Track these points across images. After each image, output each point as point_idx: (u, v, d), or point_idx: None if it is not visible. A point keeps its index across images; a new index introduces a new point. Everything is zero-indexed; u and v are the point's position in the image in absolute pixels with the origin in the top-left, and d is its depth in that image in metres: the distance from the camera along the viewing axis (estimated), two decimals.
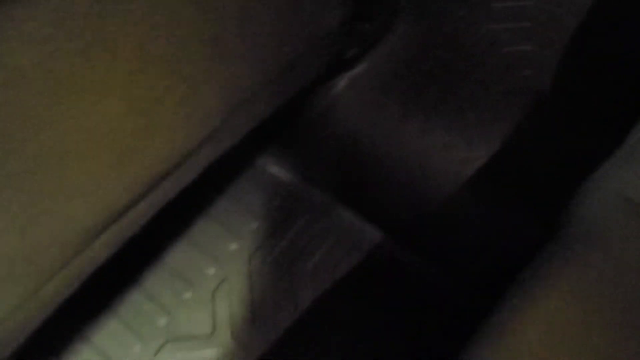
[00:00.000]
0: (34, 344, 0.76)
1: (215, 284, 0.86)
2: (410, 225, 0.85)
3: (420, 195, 0.83)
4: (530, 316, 0.44)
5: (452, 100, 0.85)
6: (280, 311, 0.84)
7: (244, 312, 0.84)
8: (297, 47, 0.58)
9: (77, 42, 0.34)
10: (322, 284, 0.86)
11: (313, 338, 0.82)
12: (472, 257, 0.75)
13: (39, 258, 0.42)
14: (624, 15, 0.92)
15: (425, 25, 0.92)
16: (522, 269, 0.48)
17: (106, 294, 0.84)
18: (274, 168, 0.96)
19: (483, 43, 0.94)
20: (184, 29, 0.42)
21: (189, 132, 0.49)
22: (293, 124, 0.94)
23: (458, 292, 0.80)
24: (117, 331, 0.82)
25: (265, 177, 0.96)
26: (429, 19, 0.92)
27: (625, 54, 0.87)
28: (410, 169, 0.83)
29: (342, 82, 0.87)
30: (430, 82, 0.86)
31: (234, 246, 0.89)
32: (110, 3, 0.36)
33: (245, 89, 0.53)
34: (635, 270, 0.48)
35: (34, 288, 0.44)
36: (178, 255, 0.88)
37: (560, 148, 0.74)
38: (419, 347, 0.78)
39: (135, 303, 0.84)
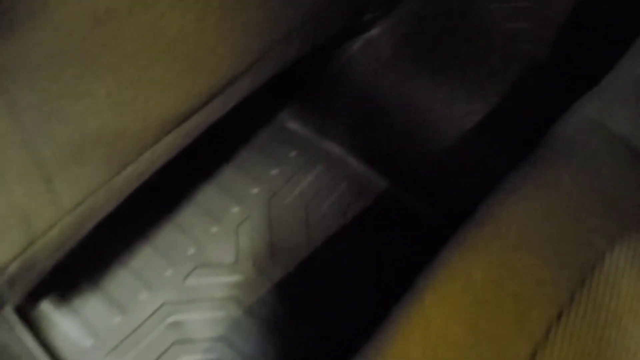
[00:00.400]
0: (75, 267, 0.86)
1: (238, 221, 0.96)
2: (415, 173, 0.95)
3: (424, 145, 0.93)
4: (491, 230, 0.51)
5: (456, 62, 0.95)
6: (295, 245, 0.94)
7: (263, 246, 0.94)
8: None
9: None
10: (333, 223, 0.96)
11: (324, 268, 0.92)
12: (471, 201, 0.85)
13: (117, 145, 0.52)
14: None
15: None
16: None
17: (143, 225, 0.94)
18: (292, 123, 1.06)
19: (486, 18, 1.03)
20: None
21: (238, 57, 0.59)
22: (310, 83, 1.04)
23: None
24: (152, 258, 0.92)
25: (285, 131, 1.06)
26: None
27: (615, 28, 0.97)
28: (416, 122, 0.93)
29: (357, 44, 0.97)
30: (437, 46, 0.96)
31: (255, 190, 0.99)
32: None
33: (281, 30, 0.63)
34: (596, 189, 0.57)
35: (109, 175, 0.54)
36: (207, 196, 0.98)
37: (552, 105, 0.84)
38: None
39: (168, 234, 0.94)
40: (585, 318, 0.44)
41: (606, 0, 1.02)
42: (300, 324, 0.86)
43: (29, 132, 0.40)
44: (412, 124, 0.95)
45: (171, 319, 0.86)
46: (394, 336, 0.45)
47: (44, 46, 0.35)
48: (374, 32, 0.96)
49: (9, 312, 0.81)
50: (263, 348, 0.85)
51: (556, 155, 0.56)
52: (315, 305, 0.88)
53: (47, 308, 0.85)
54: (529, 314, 0.44)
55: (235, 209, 0.97)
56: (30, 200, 0.46)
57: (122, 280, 0.89)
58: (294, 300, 0.89)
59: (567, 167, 0.55)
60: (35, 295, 0.85)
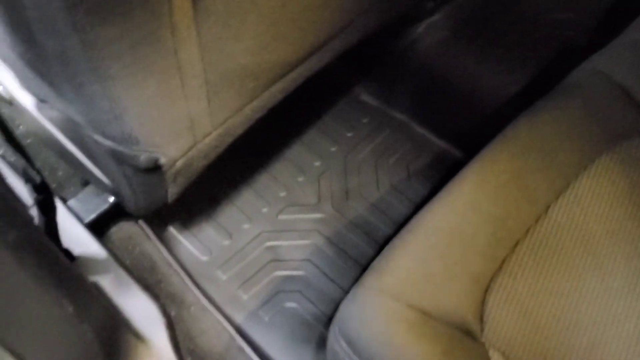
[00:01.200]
0: (194, 203, 1.10)
1: (320, 172, 1.18)
2: (467, 134, 1.15)
3: (475, 110, 1.13)
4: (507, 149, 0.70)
5: (504, 42, 1.15)
6: (366, 191, 1.15)
7: (340, 191, 1.16)
8: None
9: None
10: (398, 175, 1.17)
11: (389, 210, 1.13)
12: None
13: (254, 78, 0.72)
14: None
15: None
16: None
17: (245, 173, 1.17)
18: (365, 95, 1.28)
19: (534, 8, 1.22)
20: None
21: (338, 17, 0.77)
22: (380, 63, 1.26)
23: None
24: (252, 198, 1.15)
25: (359, 102, 1.28)
26: None
27: None
28: (469, 91, 1.13)
29: (420, 28, 1.18)
30: (488, 29, 1.16)
31: (334, 148, 1.22)
32: None
33: (367, 2, 0.83)
34: (594, 118, 0.72)
35: (243, 103, 0.76)
36: (295, 152, 1.21)
37: None
38: None
39: (264, 181, 1.17)
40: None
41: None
42: (369, 249, 1.08)
43: (206, 61, 0.63)
44: (465, 93, 1.15)
45: (267, 244, 1.09)
46: (431, 209, 0.65)
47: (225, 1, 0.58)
48: (435, 17, 1.17)
49: (149, 230, 1.07)
50: (338, 267, 1.06)
51: (566, 96, 0.75)
52: (381, 239, 1.09)
53: (174, 232, 1.10)
54: (540, 186, 0.63)
55: (317, 163, 1.19)
56: (196, 113, 0.69)
57: (229, 214, 1.13)
58: (365, 232, 1.10)
59: (573, 103, 0.74)
60: (166, 221, 1.10)
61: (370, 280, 0.61)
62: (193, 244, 1.08)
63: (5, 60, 0.69)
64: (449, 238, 0.61)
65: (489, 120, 1.13)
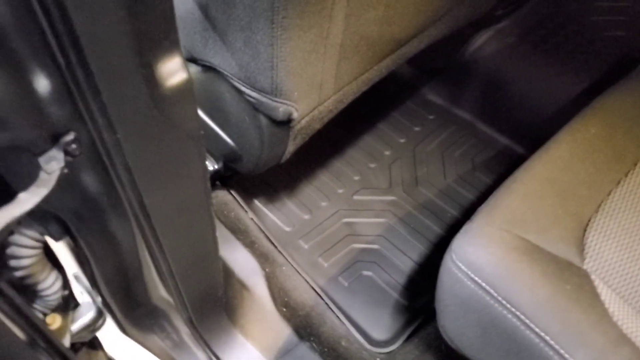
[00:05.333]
0: (279, 183, 1.21)
1: (390, 160, 1.29)
2: (530, 131, 1.25)
3: (538, 109, 1.24)
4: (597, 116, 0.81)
5: (566, 48, 1.26)
6: (434, 179, 1.25)
7: (409, 177, 1.26)
8: None
9: None
10: (463, 166, 1.27)
11: (456, 195, 1.23)
12: None
13: (376, 47, 0.82)
14: None
15: (553, 1, 1.34)
16: None
17: (324, 160, 1.28)
18: (432, 95, 1.39)
19: (590, 27, 1.33)
20: None
21: (433, 9, 0.90)
22: (448, 65, 1.37)
23: None
24: (329, 180, 1.25)
25: (426, 101, 1.39)
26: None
27: None
28: (533, 92, 1.24)
29: (488, 33, 1.30)
30: (551, 36, 1.27)
31: (403, 140, 1.32)
32: None
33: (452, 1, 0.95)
34: None
35: (361, 71, 0.85)
36: (368, 142, 1.32)
37: None
38: None
39: (340, 166, 1.28)
40: None
41: None
42: (438, 229, 1.17)
43: (346, 24, 0.75)
44: (529, 93, 1.26)
45: (344, 220, 1.19)
46: (531, 163, 0.75)
47: None
48: (503, 24, 1.29)
49: (240, 199, 1.17)
50: (410, 244, 1.15)
51: (638, 80, 0.85)
52: (449, 219, 1.19)
53: (259, 205, 1.20)
54: (628, 146, 0.73)
55: (388, 152, 1.30)
56: (327, 73, 0.80)
57: (309, 193, 1.23)
58: (433, 213, 1.20)
59: None
60: (252, 195, 1.20)
61: (482, 218, 0.71)
62: (277, 216, 1.17)
63: None
64: (550, 185, 0.71)
65: (551, 119, 1.23)
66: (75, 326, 0.73)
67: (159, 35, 0.45)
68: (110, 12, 0.39)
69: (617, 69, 1.21)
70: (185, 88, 0.49)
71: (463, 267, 0.66)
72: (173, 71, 0.48)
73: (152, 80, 0.46)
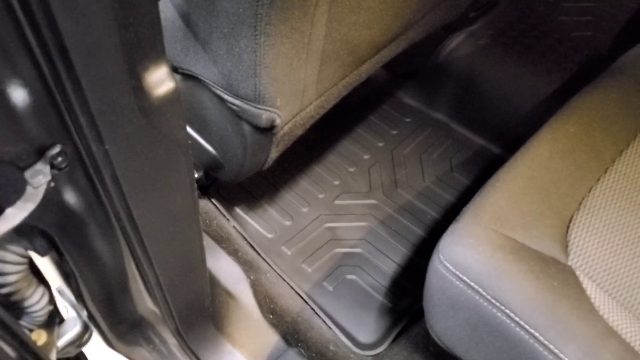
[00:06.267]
0: (258, 191, 1.20)
1: (369, 164, 1.30)
2: (505, 131, 1.28)
3: (513, 109, 1.26)
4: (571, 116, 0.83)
5: (538, 49, 1.29)
6: (413, 181, 1.26)
7: (389, 180, 1.27)
8: None
9: None
10: (441, 167, 1.28)
11: (435, 196, 1.24)
12: None
13: (356, 53, 0.83)
14: None
15: (523, 2, 1.37)
16: None
17: (304, 165, 1.28)
18: (407, 98, 1.41)
19: (559, 28, 1.36)
20: None
21: (421, 5, 0.90)
22: (422, 68, 1.39)
23: None
24: (310, 186, 1.26)
25: (402, 104, 1.41)
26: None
27: None
28: (506, 92, 1.26)
29: (461, 36, 1.32)
30: (523, 37, 1.30)
31: (381, 143, 1.33)
32: None
33: (428, 2, 0.96)
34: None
35: (340, 77, 0.86)
36: (346, 147, 1.32)
37: None
38: None
39: (320, 172, 1.28)
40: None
41: None
42: (419, 230, 1.18)
43: (327, 29, 0.75)
44: (502, 94, 1.28)
45: (326, 225, 1.19)
46: (514, 163, 0.77)
47: None
48: (475, 26, 1.31)
49: (221, 207, 1.17)
50: (392, 246, 1.16)
51: (619, 74, 0.87)
52: (429, 221, 1.20)
53: (241, 212, 1.20)
54: (605, 144, 0.75)
55: (367, 156, 1.31)
56: (309, 79, 0.80)
57: (289, 199, 1.23)
58: (414, 215, 1.21)
59: (625, 79, 0.87)
60: (233, 203, 1.20)
61: (467, 217, 0.71)
62: (259, 223, 1.17)
63: None
64: (533, 183, 0.72)
65: (525, 118, 1.25)
66: (62, 342, 0.72)
67: (147, 45, 0.44)
68: (100, 24, 0.39)
69: (586, 68, 1.24)
70: (173, 97, 0.49)
71: (451, 268, 0.66)
72: (160, 80, 0.48)
73: (140, 90, 0.46)
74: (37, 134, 0.48)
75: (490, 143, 1.29)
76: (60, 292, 0.74)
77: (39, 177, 0.50)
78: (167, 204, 0.57)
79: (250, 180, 1.23)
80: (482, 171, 1.26)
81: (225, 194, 1.20)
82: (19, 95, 0.45)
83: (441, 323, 0.70)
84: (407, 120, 1.36)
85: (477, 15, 1.26)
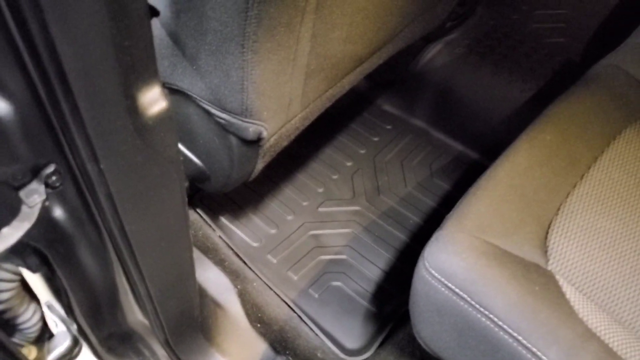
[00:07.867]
0: (242, 200, 1.22)
1: (352, 171, 1.32)
2: (483, 138, 1.31)
3: (489, 116, 1.29)
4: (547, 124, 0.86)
5: (513, 57, 1.32)
6: (395, 188, 1.29)
7: (372, 187, 1.29)
8: (432, 5, 1.05)
9: None
10: (422, 173, 1.31)
11: (416, 202, 1.26)
12: None
13: (339, 66, 0.85)
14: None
15: (497, 11, 1.40)
16: None
17: (287, 174, 1.30)
18: (388, 106, 1.43)
19: (532, 35, 1.40)
20: None
21: (401, 17, 0.92)
22: (401, 77, 1.42)
23: None
24: (294, 194, 1.27)
25: (382, 111, 1.43)
26: (500, 8, 1.40)
27: None
28: (483, 99, 1.29)
29: (438, 45, 1.35)
30: (498, 46, 1.33)
31: (363, 151, 1.35)
32: None
33: (419, 9, 0.98)
34: (612, 103, 0.89)
35: (324, 89, 0.88)
36: (329, 155, 1.34)
37: None
38: None
39: (303, 179, 1.29)
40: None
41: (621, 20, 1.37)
42: (402, 235, 1.21)
43: (312, 44, 0.77)
44: (479, 101, 1.31)
45: (311, 233, 1.21)
46: (495, 171, 0.79)
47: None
48: (452, 36, 1.34)
49: (207, 217, 1.17)
50: (376, 251, 1.18)
51: (591, 84, 0.90)
52: (411, 227, 1.22)
53: (226, 222, 1.21)
54: (580, 151, 0.78)
55: (349, 163, 1.33)
56: (294, 93, 0.82)
57: (274, 207, 1.25)
58: (396, 221, 1.23)
59: (597, 89, 0.90)
60: (218, 213, 1.21)
61: (451, 225, 0.74)
62: (244, 232, 1.18)
63: None
64: (513, 190, 0.75)
65: (501, 124, 1.29)
66: (52, 357, 0.72)
67: (141, 67, 0.46)
68: (98, 48, 0.40)
69: (560, 76, 1.28)
70: (166, 115, 0.50)
71: (436, 275, 0.68)
72: (154, 100, 0.49)
73: (135, 110, 0.47)
74: (32, 154, 0.49)
75: (468, 149, 1.32)
76: (49, 306, 0.74)
77: (34, 197, 0.51)
78: (159, 219, 0.58)
79: (235, 189, 1.24)
80: (462, 176, 1.29)
81: (210, 203, 1.21)
82: (15, 116, 0.46)
83: (428, 328, 0.72)
84: (388, 127, 1.38)
85: (454, 25, 1.29)
